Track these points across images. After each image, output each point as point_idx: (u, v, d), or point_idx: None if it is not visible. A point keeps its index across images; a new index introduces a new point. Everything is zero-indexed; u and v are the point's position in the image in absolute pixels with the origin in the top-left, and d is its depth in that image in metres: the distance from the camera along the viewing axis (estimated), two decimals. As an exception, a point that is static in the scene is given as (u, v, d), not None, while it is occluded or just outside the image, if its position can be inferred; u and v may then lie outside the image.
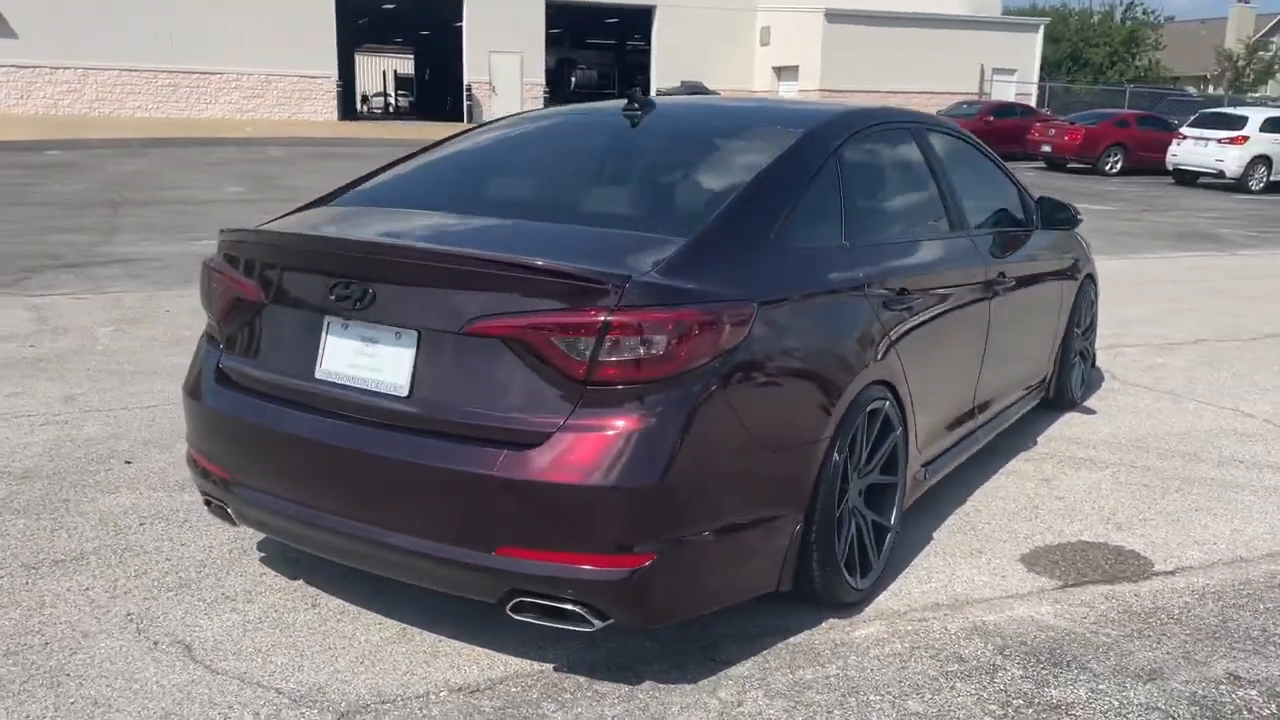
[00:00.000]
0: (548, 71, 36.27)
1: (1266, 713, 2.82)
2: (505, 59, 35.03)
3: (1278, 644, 3.20)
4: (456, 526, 2.75)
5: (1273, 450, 5.16)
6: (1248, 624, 3.32)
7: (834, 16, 34.51)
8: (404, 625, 3.19)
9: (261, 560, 3.63)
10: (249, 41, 31.97)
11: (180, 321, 7.25)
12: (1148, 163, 24.53)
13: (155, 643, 3.07)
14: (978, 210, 4.52)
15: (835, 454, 3.10)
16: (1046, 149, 25.43)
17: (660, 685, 2.89)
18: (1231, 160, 22.07)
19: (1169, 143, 24.06)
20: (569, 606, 2.70)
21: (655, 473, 2.62)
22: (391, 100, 52.48)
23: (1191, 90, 50.53)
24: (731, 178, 3.32)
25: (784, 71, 36.84)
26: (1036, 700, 2.84)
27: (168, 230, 11.55)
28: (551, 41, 36.10)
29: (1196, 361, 7.07)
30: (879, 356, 3.32)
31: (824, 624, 3.24)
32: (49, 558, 3.60)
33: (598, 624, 2.70)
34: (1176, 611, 3.40)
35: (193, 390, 3.35)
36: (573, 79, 38.63)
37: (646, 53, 37.53)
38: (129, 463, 4.53)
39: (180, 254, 10.02)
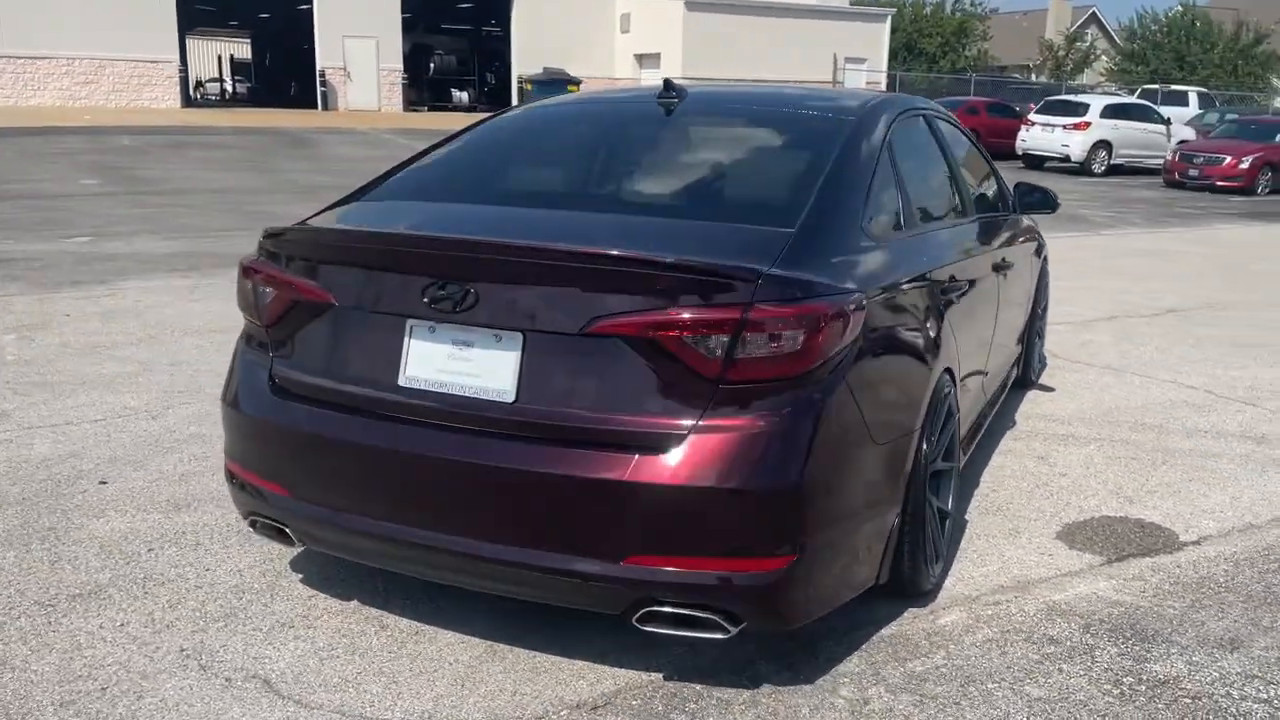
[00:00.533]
0: (405, 58, 35.33)
1: (1344, 672, 2.97)
2: (360, 44, 33.94)
3: (1321, 605, 3.38)
4: (579, 536, 2.61)
5: (1227, 419, 5.46)
6: (1286, 588, 3.50)
7: (693, 5, 34.81)
8: (488, 642, 3.03)
9: (303, 582, 3.39)
10: (81, 24, 29.98)
11: (87, 326, 6.74)
12: (997, 148, 25.58)
13: (227, 679, 2.82)
14: (978, 195, 4.61)
15: (924, 443, 3.10)
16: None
17: (779, 688, 2.83)
18: (1076, 145, 23.36)
19: (1016, 129, 25.27)
20: (702, 614, 2.61)
21: (793, 472, 2.55)
22: (229, 87, 50.14)
23: (1018, 77, 53.12)
24: (802, 167, 3.26)
25: (645, 59, 36.97)
26: (1143, 677, 2.91)
27: (32, 228, 10.70)
28: (405, 27, 35.17)
29: (1119, 337, 7.42)
30: (946, 344, 3.33)
31: (907, 614, 3.24)
32: (63, 593, 3.27)
33: (732, 630, 2.62)
34: (1222, 580, 3.55)
35: (237, 401, 3.09)
36: (431, 65, 37.75)
37: (505, 39, 37.02)
38: (104, 483, 4.17)
39: (57, 253, 9.32)
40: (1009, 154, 24.90)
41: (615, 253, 2.62)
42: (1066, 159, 23.59)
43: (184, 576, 3.40)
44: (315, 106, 34.15)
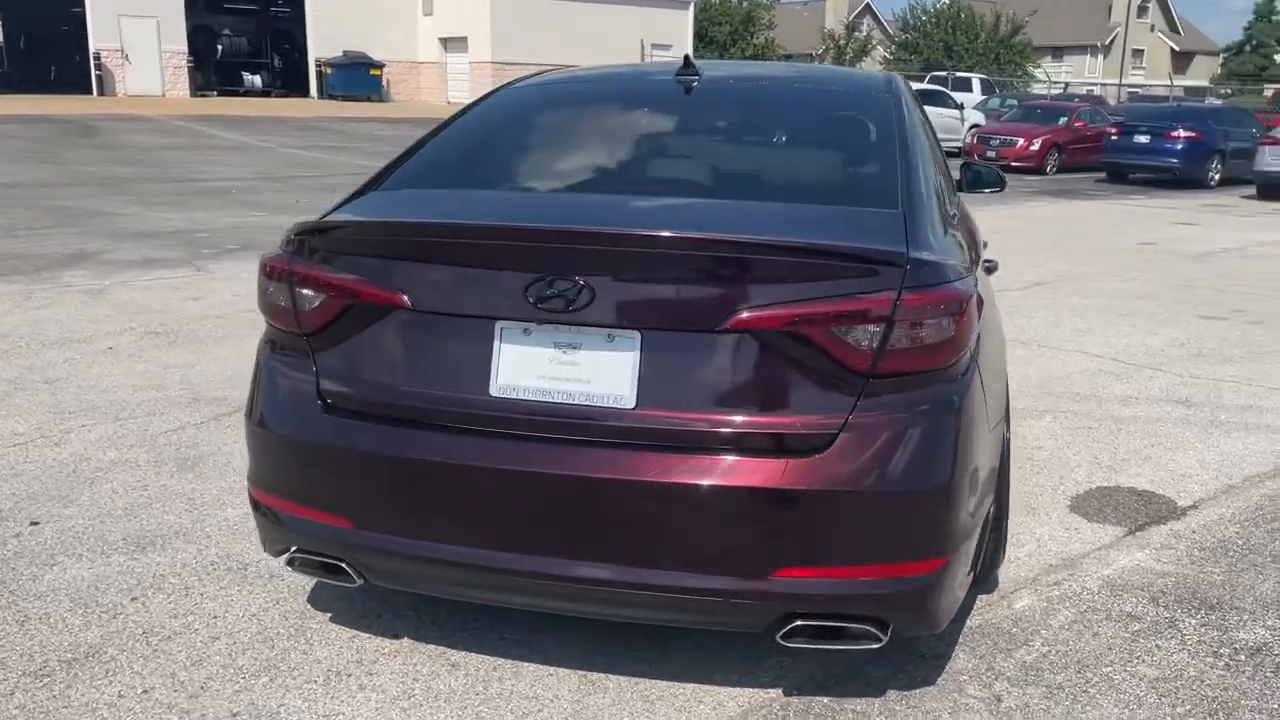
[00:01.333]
0: (189, 39, 33.03)
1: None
2: (139, 24, 31.49)
3: (1334, 560, 3.55)
4: (723, 551, 2.39)
5: (1146, 386, 5.73)
6: (1294, 545, 3.66)
7: (499, -13, 34.17)
8: (579, 673, 2.76)
9: (334, 621, 3.00)
10: None
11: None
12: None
13: (307, 745, 2.44)
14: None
15: (1008, 429, 3.04)
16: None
17: (906, 693, 2.70)
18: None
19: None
20: (853, 625, 2.44)
21: (947, 469, 2.42)
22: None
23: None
24: (870, 144, 3.11)
25: (451, 43, 36.02)
26: (1237, 646, 2.95)
27: None
28: (188, 6, 32.87)
29: (1007, 311, 7.69)
30: (1000, 327, 3.29)
31: (980, 603, 3.18)
32: (52, 658, 2.77)
33: (884, 639, 2.46)
34: (1240, 543, 3.67)
35: (273, 422, 2.69)
36: (219, 47, 35.37)
37: (299, 20, 35.20)
38: (36, 523, 3.59)
39: None
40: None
41: (763, 240, 2.40)
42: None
43: (191, 628, 2.94)
44: (88, 92, 31.46)
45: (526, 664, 2.79)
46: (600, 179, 3.09)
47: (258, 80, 35.88)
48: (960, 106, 25.78)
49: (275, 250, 2.78)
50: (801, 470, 2.35)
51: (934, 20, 57.48)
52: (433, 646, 2.87)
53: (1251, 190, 18.35)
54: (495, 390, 2.47)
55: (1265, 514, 3.93)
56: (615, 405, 2.41)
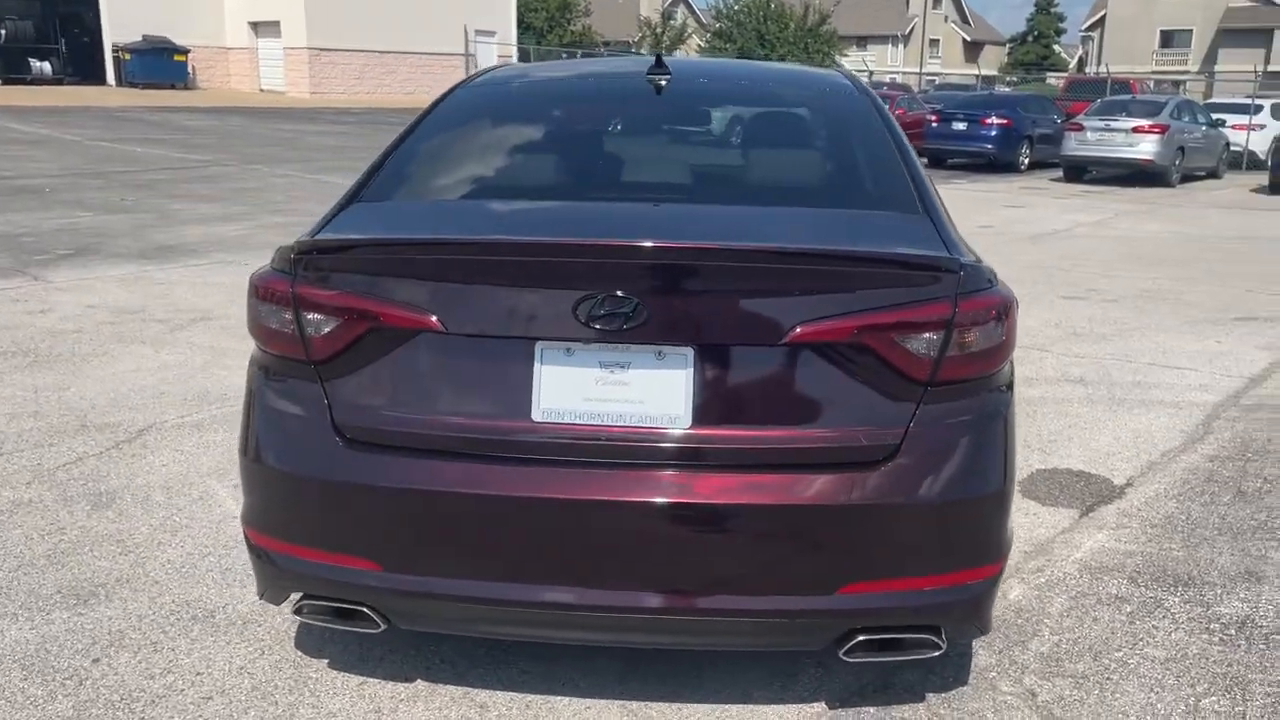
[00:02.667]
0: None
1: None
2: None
3: (1270, 509, 3.79)
4: (787, 571, 2.32)
5: (1040, 367, 6.00)
6: (1239, 509, 3.88)
7: (312, -31, 32.73)
8: (618, 703, 2.64)
9: (332, 666, 2.78)
10: None
11: None
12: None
13: (357, 812, 2.23)
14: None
15: None
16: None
17: (944, 695, 2.71)
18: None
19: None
20: (913, 635, 2.42)
21: (1000, 475, 2.42)
22: None
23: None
24: (868, 146, 3.08)
25: (263, 27, 34.28)
26: (1223, 620, 3.11)
27: None
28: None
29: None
30: None
31: (976, 593, 3.23)
32: (26, 741, 2.44)
33: (943, 647, 2.44)
34: (1183, 518, 3.88)
35: (277, 458, 2.45)
36: (2, 32, 32.45)
37: (91, 2, 32.75)
38: (-53, 580, 3.18)
39: None
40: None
41: (825, 249, 2.34)
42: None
43: (175, 689, 2.66)
44: None
45: (558, 698, 2.65)
46: (610, 187, 2.96)
47: (47, 67, 33.21)
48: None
49: (266, 269, 2.53)
50: (865, 484, 2.31)
51: (745, 10, 58.87)
52: (451, 688, 2.69)
53: (1059, 173, 19.62)
54: (538, 415, 2.32)
55: (1193, 488, 4.17)
56: (669, 426, 2.31)
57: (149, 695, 2.62)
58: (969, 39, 74.79)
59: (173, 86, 32.13)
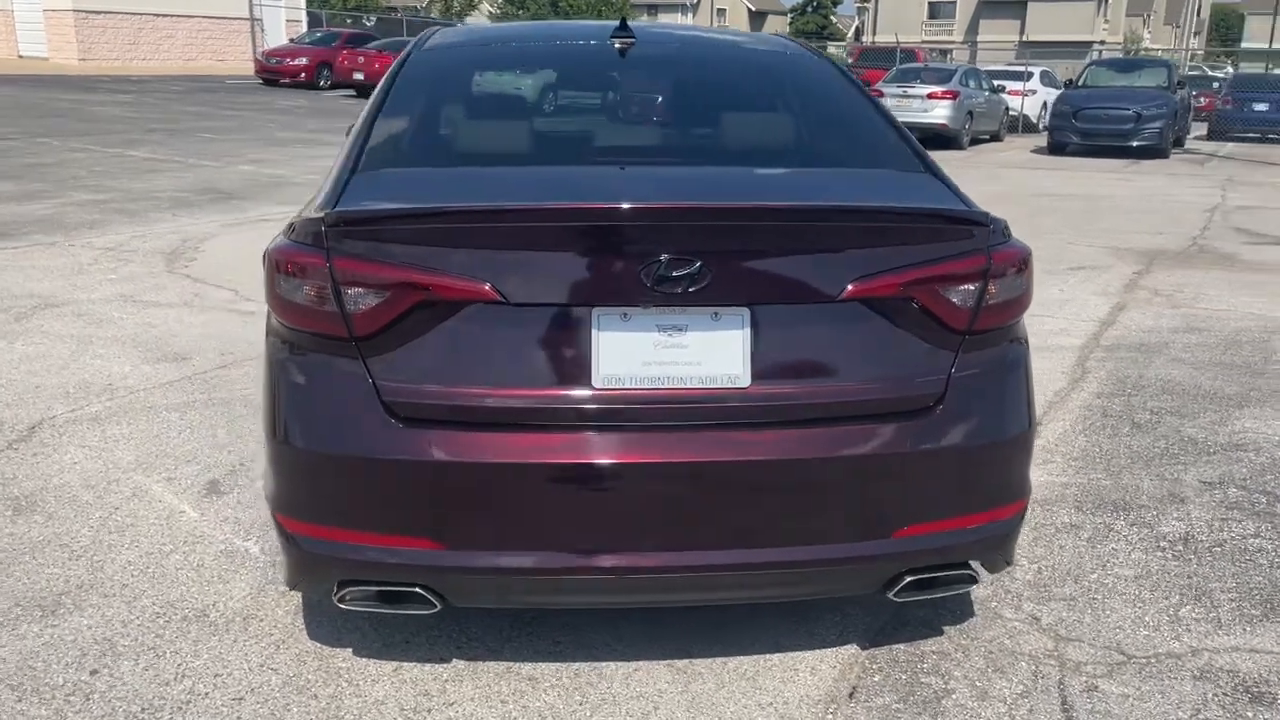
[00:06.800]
0: None
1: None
2: None
3: (1166, 437, 4.18)
4: (847, 519, 2.41)
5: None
6: (1141, 439, 4.26)
7: (71, -74, 30.05)
8: (663, 663, 2.66)
9: (359, 654, 2.67)
10: None
11: None
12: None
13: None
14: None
15: None
16: (359, 76, 25.61)
17: (959, 627, 2.87)
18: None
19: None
20: (954, 572, 2.55)
21: (1026, 416, 2.58)
22: None
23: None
24: (851, 107, 3.15)
25: (17, -11, 31.24)
26: (1169, 538, 3.41)
27: None
28: None
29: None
30: None
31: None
32: (55, 764, 2.24)
33: (979, 580, 2.59)
34: (1096, 450, 4.22)
35: (320, 441, 2.33)
36: None
37: None
38: (-123, 602, 2.85)
39: None
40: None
41: (877, 205, 2.41)
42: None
43: (197, 692, 2.49)
44: None
45: (602, 664, 2.65)
46: (622, 151, 2.94)
47: None
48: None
49: (285, 242, 2.40)
50: (916, 431, 2.41)
51: (538, -25, 58.34)
52: (492, 664, 2.64)
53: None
54: (599, 382, 2.31)
55: (1093, 424, 4.54)
56: (730, 385, 2.34)
57: (173, 702, 2.45)
58: (754, 8, 76.94)
59: (-85, 52, 28.98)
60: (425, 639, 2.73)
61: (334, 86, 26.86)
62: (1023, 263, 2.54)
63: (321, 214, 2.34)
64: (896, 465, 2.40)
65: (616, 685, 2.57)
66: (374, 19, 37.02)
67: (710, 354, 2.33)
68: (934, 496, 2.45)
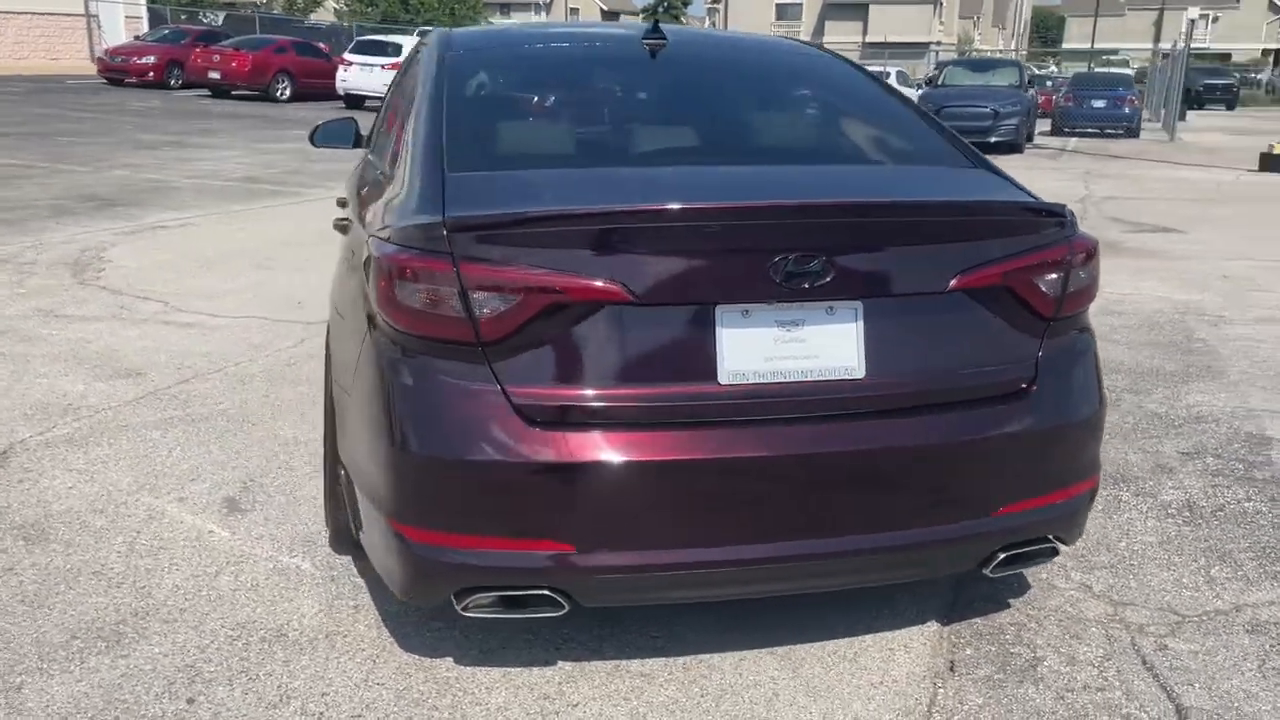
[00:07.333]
0: None
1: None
2: None
3: (1131, 415, 4.45)
4: (956, 501, 2.51)
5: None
6: (1112, 416, 4.51)
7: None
8: (766, 650, 2.72)
9: (461, 663, 2.63)
10: None
11: None
12: (314, 89, 25.36)
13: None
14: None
15: None
16: (215, 76, 24.58)
17: (1022, 599, 3.01)
18: (395, 84, 24.06)
19: (329, 69, 25.27)
20: (1038, 546, 2.68)
21: (1097, 396, 2.73)
22: None
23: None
24: (893, 106, 3.27)
25: None
26: (1174, 506, 3.65)
27: None
28: None
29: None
30: None
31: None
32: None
33: (1059, 553, 2.74)
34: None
35: (446, 447, 2.29)
36: None
37: None
38: None
39: None
40: (329, 95, 24.77)
41: (977, 200, 2.52)
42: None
43: (310, 712, 2.42)
44: None
45: (708, 656, 2.68)
46: (705, 152, 2.97)
47: None
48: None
49: (396, 248, 2.35)
50: (1014, 414, 2.54)
51: (381, -28, 57.12)
52: (598, 663, 2.65)
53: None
54: (725, 378, 2.35)
55: (1062, 403, 4.79)
56: (846, 377, 2.41)
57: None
58: (606, 8, 77.30)
59: None
60: (520, 643, 2.71)
61: (186, 86, 25.71)
62: (1094, 252, 2.70)
63: (439, 218, 2.30)
64: (999, 446, 2.52)
65: (729, 675, 2.61)
66: (221, 16, 35.52)
67: (826, 347, 2.40)
68: (1027, 475, 2.58)
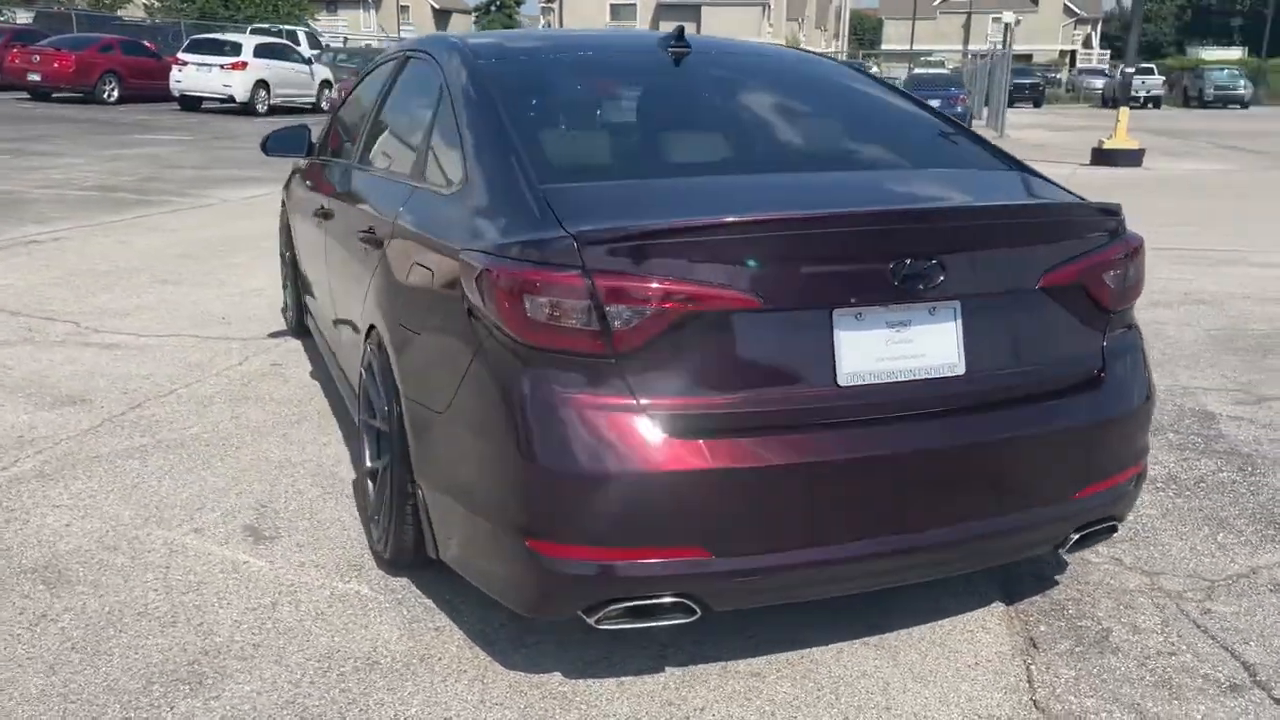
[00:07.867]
0: None
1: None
2: None
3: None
4: (1045, 486, 2.65)
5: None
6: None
7: None
8: (857, 643, 2.79)
9: (568, 677, 2.61)
10: None
11: None
12: (144, 90, 24.04)
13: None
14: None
15: None
16: (35, 77, 22.93)
17: (1071, 578, 3.19)
18: (238, 85, 23.02)
19: (160, 69, 24.01)
20: (1101, 525, 2.85)
21: (1148, 383, 2.92)
22: None
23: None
24: (916, 111, 3.40)
25: None
26: (1159, 481, 3.92)
27: None
28: None
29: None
30: None
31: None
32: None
33: (1117, 529, 2.92)
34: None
35: (577, 460, 2.28)
36: None
37: None
38: (-26, 705, 2.45)
39: None
40: (162, 96, 23.55)
41: (1060, 202, 2.66)
42: (230, 99, 23.16)
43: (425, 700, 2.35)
44: None
45: (807, 650, 2.74)
46: (780, 159, 3.04)
47: None
48: (309, 61, 25.39)
49: (516, 263, 2.32)
50: (1094, 402, 2.71)
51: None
52: (706, 665, 2.67)
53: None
54: (843, 380, 2.42)
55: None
56: (948, 375, 2.52)
57: (427, 754, 2.30)
58: (438, 6, 76.11)
59: None
60: (620, 653, 2.70)
61: (1, 89, 23.96)
62: (1140, 249, 2.89)
63: (562, 232, 2.29)
64: (1081, 433, 2.68)
65: (834, 668, 2.68)
66: (33, 15, 33.22)
67: (930, 346, 2.50)
68: (1100, 459, 2.75)
